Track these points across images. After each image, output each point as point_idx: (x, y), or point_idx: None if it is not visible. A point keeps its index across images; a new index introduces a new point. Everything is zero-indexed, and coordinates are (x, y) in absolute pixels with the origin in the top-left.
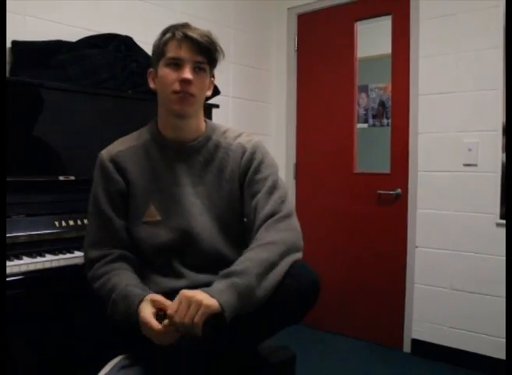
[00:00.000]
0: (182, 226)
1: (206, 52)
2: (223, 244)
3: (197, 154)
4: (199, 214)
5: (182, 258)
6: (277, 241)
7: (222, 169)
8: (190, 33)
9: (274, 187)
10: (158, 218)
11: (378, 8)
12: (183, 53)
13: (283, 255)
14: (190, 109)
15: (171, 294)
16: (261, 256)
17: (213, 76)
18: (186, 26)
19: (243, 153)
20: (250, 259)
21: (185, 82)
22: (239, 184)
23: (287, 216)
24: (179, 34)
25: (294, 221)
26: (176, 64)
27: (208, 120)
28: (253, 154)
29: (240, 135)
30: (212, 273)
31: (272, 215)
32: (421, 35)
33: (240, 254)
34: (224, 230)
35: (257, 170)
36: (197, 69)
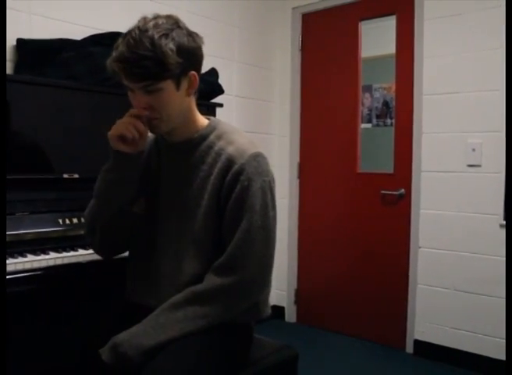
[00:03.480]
0: (155, 228)
1: (149, 74)
2: (188, 259)
3: (188, 154)
4: (168, 220)
5: (149, 266)
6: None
7: (208, 176)
8: (123, 57)
9: (247, 232)
10: (144, 212)
11: (382, 8)
12: (125, 80)
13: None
14: (162, 129)
15: (137, 310)
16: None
17: (195, 72)
18: (130, 36)
19: (230, 168)
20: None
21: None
22: (218, 202)
23: (227, 288)
24: (113, 58)
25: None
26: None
27: (212, 118)
28: (239, 174)
29: (234, 141)
30: (174, 290)
31: (222, 269)
32: (426, 35)
33: (205, 271)
34: (193, 245)
35: (240, 199)
36: (148, 91)
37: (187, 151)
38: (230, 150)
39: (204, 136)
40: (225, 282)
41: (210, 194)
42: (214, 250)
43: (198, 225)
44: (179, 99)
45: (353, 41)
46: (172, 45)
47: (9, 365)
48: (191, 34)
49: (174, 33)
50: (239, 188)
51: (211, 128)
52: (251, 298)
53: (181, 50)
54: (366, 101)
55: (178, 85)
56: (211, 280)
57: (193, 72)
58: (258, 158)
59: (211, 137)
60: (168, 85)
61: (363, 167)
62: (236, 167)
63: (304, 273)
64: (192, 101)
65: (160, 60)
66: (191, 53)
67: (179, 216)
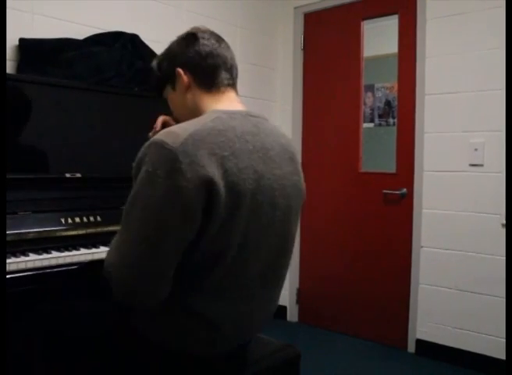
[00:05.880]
0: None
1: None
2: None
3: None
4: None
5: None
6: None
7: None
8: None
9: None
10: None
11: (384, 7)
12: None
13: None
14: None
15: None
16: None
17: (180, 68)
18: None
19: None
20: None
21: None
22: None
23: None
24: None
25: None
26: None
27: (213, 109)
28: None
29: None
30: None
31: None
32: (428, 35)
33: None
34: None
35: None
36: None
37: None
38: None
39: None
40: None
41: None
42: None
43: None
44: (177, 98)
45: (355, 41)
46: (154, 62)
47: (9, 366)
48: (183, 39)
49: (164, 51)
50: None
51: None
52: None
53: (160, 61)
54: (368, 101)
55: (173, 86)
56: None
57: (179, 68)
58: (148, 147)
59: None
60: (168, 90)
61: (365, 167)
62: None
63: (306, 272)
64: (196, 95)
65: (155, 79)
66: (169, 58)
67: None
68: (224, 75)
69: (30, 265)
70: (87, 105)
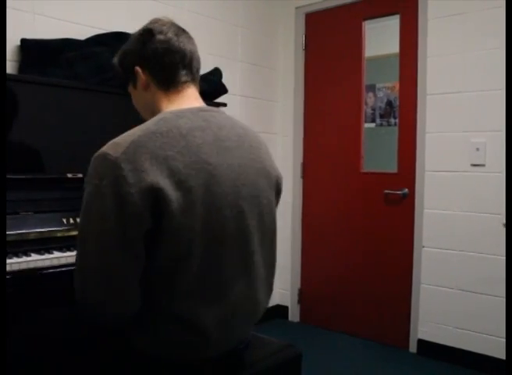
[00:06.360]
0: None
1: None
2: None
3: None
4: None
5: None
6: None
7: None
8: None
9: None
10: None
11: (386, 7)
12: None
13: None
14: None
15: None
16: None
17: (138, 66)
18: None
19: None
20: None
21: None
22: None
23: None
24: None
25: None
26: None
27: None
28: None
29: None
30: None
31: None
32: (429, 34)
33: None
34: None
35: None
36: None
37: None
38: None
39: None
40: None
41: None
42: None
43: None
44: (138, 96)
45: (356, 41)
46: (115, 58)
47: (10, 365)
48: (140, 34)
49: (124, 46)
50: None
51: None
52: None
53: (120, 58)
54: (369, 101)
55: (134, 84)
56: None
57: (137, 67)
58: (93, 160)
59: None
60: (130, 87)
61: (366, 167)
62: None
63: (308, 272)
64: (155, 95)
65: (120, 73)
66: (128, 55)
67: None
68: (182, 72)
69: (31, 265)
70: (88, 105)
